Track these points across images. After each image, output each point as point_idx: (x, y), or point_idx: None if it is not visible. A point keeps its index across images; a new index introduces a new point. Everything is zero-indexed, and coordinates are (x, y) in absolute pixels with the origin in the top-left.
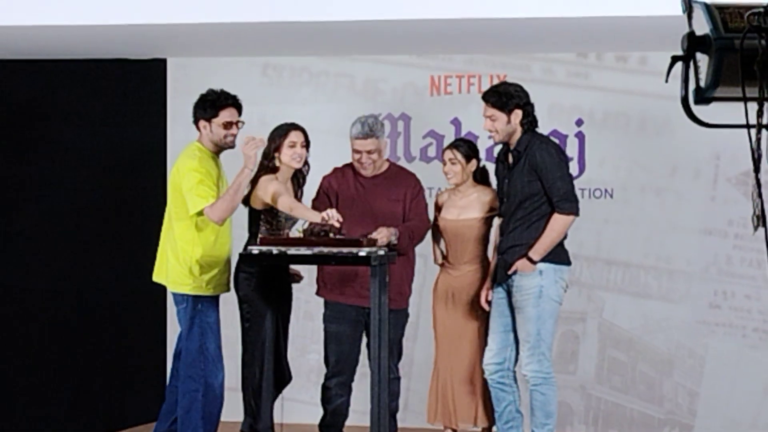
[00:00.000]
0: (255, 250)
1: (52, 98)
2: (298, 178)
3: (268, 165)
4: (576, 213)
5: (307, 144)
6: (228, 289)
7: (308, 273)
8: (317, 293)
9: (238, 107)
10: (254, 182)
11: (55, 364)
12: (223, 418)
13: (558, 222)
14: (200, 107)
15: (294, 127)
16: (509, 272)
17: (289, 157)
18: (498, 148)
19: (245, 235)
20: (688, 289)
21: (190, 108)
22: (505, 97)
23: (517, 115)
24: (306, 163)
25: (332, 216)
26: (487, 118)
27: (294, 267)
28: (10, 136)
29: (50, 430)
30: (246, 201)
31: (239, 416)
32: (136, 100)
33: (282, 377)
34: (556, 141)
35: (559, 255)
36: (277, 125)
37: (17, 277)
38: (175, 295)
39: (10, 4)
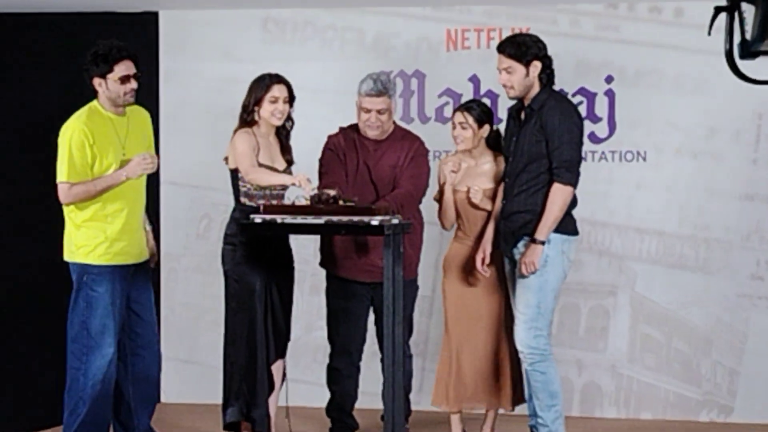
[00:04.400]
0: (258, 218)
1: (32, 54)
2: (282, 135)
3: (246, 119)
4: (574, 185)
5: (291, 99)
6: (135, 259)
7: (314, 244)
8: (321, 264)
9: (134, 59)
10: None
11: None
12: (203, 400)
13: (557, 194)
14: (92, 63)
15: (277, 79)
16: (520, 271)
17: (269, 113)
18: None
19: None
20: (728, 260)
21: (183, 66)
22: (523, 47)
23: (536, 67)
24: (289, 118)
25: (302, 181)
26: (503, 70)
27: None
28: None
29: None
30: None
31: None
32: None
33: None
34: (582, 100)
35: (566, 224)
36: (258, 76)
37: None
38: (68, 265)
39: None
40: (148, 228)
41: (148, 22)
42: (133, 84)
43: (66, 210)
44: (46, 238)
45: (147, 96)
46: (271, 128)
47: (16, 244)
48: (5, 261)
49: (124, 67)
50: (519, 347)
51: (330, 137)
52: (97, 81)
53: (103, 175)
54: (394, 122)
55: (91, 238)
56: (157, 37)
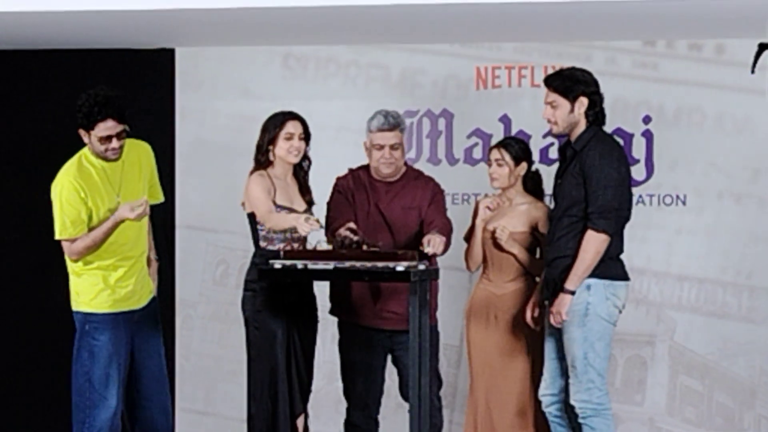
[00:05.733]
0: (277, 264)
1: (48, 92)
2: (300, 175)
3: (261, 160)
4: (609, 232)
5: (306, 137)
6: (138, 304)
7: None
8: (331, 312)
9: (118, 116)
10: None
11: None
12: None
13: (590, 242)
14: (78, 112)
15: (291, 116)
16: (554, 321)
17: (285, 150)
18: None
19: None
20: None
21: (200, 104)
22: (569, 81)
23: (582, 103)
24: (306, 157)
25: (309, 223)
26: (547, 104)
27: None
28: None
29: None
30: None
31: None
32: (141, 94)
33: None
34: (621, 142)
35: (609, 269)
36: (272, 114)
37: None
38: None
39: None
40: (153, 257)
41: (164, 58)
42: (114, 144)
43: (67, 259)
44: (52, 283)
45: (162, 135)
46: (288, 168)
47: (23, 289)
48: (12, 306)
49: (104, 128)
50: (571, 401)
51: (338, 179)
52: (81, 131)
53: (99, 226)
54: (405, 163)
55: (92, 285)
56: (173, 75)
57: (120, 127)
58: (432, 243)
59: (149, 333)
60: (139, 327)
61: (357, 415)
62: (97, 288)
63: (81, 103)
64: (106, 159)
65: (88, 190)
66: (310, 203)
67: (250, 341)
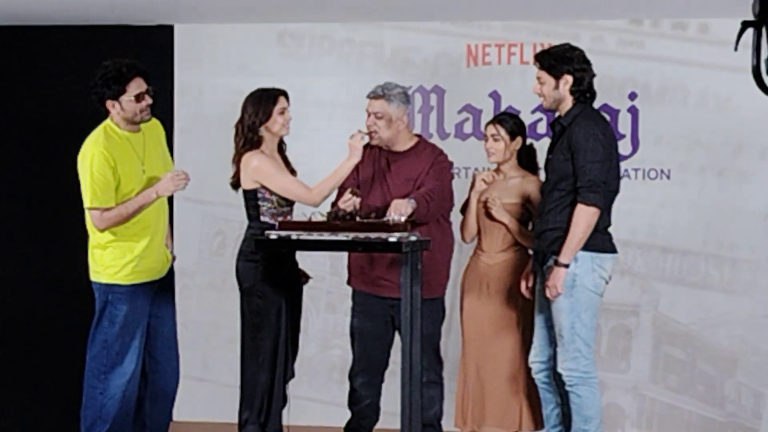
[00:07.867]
0: (273, 235)
1: (47, 68)
2: (282, 148)
3: (253, 139)
4: (598, 205)
5: None
6: (158, 274)
7: (330, 261)
8: (348, 282)
9: (145, 75)
10: (238, 160)
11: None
12: (216, 419)
13: (581, 216)
14: (103, 85)
15: (278, 91)
16: (549, 295)
17: (280, 125)
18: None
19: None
20: (753, 280)
21: (198, 79)
22: (554, 59)
23: (567, 81)
24: None
25: (356, 137)
26: (537, 79)
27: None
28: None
29: None
30: (235, 184)
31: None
32: None
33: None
34: (607, 118)
35: (596, 241)
36: (256, 92)
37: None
38: (92, 284)
39: None
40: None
41: (164, 35)
42: (148, 100)
43: (91, 230)
44: (63, 255)
45: (161, 110)
46: (275, 143)
47: (34, 261)
48: (21, 278)
49: (136, 85)
50: (558, 369)
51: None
52: (110, 103)
53: (133, 197)
54: (419, 136)
55: (118, 258)
56: (172, 51)
57: (146, 86)
58: (395, 208)
59: (165, 301)
60: (156, 295)
61: (355, 380)
62: (122, 261)
63: (105, 72)
64: (139, 121)
65: (117, 158)
66: (293, 173)
67: (253, 310)
